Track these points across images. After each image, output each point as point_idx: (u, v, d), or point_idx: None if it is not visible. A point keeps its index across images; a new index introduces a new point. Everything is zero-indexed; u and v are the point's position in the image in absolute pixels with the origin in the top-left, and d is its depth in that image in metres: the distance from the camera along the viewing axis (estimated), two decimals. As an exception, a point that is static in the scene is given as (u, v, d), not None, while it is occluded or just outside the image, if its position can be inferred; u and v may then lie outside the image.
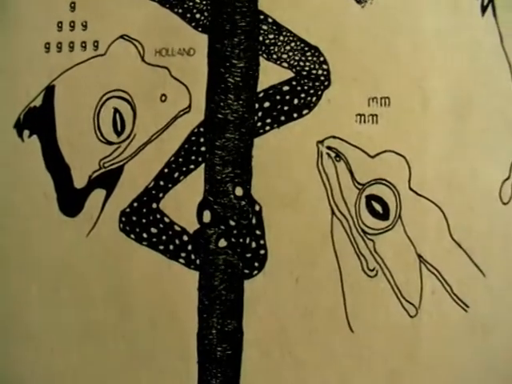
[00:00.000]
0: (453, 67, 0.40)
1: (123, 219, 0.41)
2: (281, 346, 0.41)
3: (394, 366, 0.41)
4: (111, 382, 0.41)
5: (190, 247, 0.41)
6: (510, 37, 0.41)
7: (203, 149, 0.41)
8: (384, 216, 0.40)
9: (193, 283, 0.41)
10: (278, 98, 0.40)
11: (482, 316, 0.41)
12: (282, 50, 0.40)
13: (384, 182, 0.40)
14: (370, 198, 0.40)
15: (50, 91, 0.42)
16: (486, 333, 0.41)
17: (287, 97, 0.40)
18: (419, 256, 0.41)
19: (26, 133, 0.42)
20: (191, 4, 0.41)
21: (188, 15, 0.41)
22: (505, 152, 0.41)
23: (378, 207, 0.40)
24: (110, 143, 0.41)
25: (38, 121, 0.42)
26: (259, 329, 0.41)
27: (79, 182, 0.41)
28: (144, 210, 0.41)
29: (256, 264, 0.40)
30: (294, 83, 0.40)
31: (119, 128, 0.41)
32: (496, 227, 0.41)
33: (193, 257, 0.41)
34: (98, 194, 0.41)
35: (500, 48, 0.41)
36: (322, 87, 0.40)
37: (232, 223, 0.41)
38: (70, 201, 0.41)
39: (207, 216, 0.41)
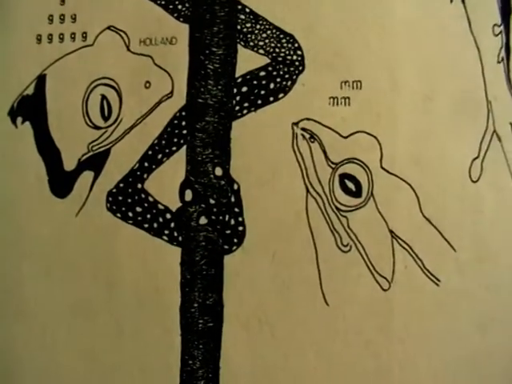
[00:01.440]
0: (422, 52, 0.42)
1: (110, 199, 0.43)
2: (259, 319, 0.42)
3: (368, 338, 0.42)
4: (99, 355, 0.43)
5: (172, 225, 0.43)
6: (478, 22, 0.43)
7: (185, 132, 0.43)
8: (357, 194, 0.42)
9: (175, 259, 0.43)
10: (255, 82, 0.42)
11: (453, 290, 0.42)
12: (259, 37, 0.42)
13: (356, 161, 0.42)
14: (343, 177, 0.42)
15: (41, 80, 0.44)
16: (456, 306, 0.42)
17: (264, 82, 0.42)
18: (391, 232, 0.42)
19: (20, 120, 0.44)
20: (173, -4, 0.43)
21: (170, 6, 0.43)
22: (474, 132, 0.43)
23: (350, 185, 0.42)
24: (97, 128, 0.43)
25: (31, 108, 0.44)
26: (238, 302, 0.42)
27: (69, 164, 0.44)
28: (129, 190, 0.43)
29: (235, 240, 0.42)
30: (270, 69, 0.42)
31: (106, 113, 0.43)
32: (466, 204, 0.42)
33: (175, 234, 0.43)
34: (87, 175, 0.43)
35: (468, 33, 0.43)
36: (296, 72, 0.42)
37: (212, 201, 0.43)
38: (61, 183, 0.44)
39: (189, 195, 0.43)
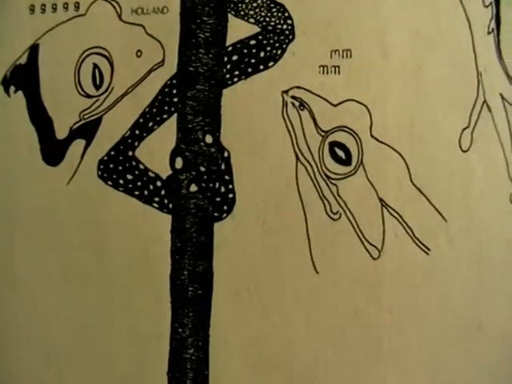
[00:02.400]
0: (412, 21, 0.42)
1: (101, 167, 0.43)
2: (248, 287, 0.43)
3: (357, 307, 0.42)
4: (90, 323, 0.44)
5: (163, 192, 0.43)
6: (468, -7, 0.44)
7: (176, 100, 0.43)
8: (346, 162, 0.42)
9: (166, 226, 0.43)
10: (245, 51, 0.43)
11: (443, 259, 0.42)
12: (249, 7, 0.43)
13: (346, 129, 0.42)
14: (333, 145, 0.42)
15: (34, 50, 0.45)
16: (446, 276, 0.42)
17: (254, 50, 0.42)
18: (381, 200, 0.42)
19: (12, 89, 0.45)
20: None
21: (162, -24, 0.44)
22: (464, 102, 0.43)
23: (340, 153, 0.42)
24: (89, 96, 0.44)
25: (23, 77, 0.44)
26: (228, 270, 0.43)
27: (61, 133, 0.44)
28: (120, 158, 0.43)
29: (225, 207, 0.43)
30: (260, 37, 0.43)
31: (98, 82, 0.43)
32: (456, 174, 0.42)
33: (166, 201, 0.43)
34: (78, 144, 0.44)
35: (459, 4, 0.43)
36: (286, 41, 0.42)
37: (202, 169, 0.43)
38: (52, 151, 0.44)
39: (179, 162, 0.43)
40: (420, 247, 0.42)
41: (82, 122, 0.44)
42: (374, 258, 0.42)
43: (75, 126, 0.44)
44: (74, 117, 0.44)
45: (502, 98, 0.43)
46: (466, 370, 0.42)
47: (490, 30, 0.43)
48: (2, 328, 0.45)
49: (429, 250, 0.42)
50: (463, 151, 0.42)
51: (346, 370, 0.42)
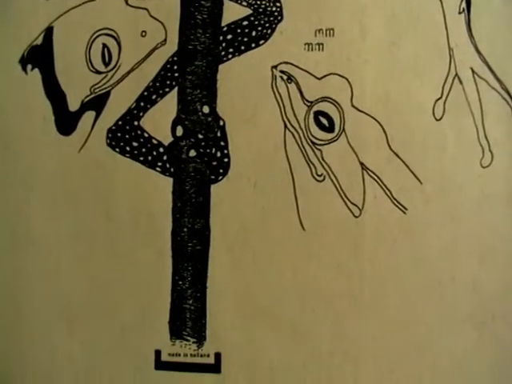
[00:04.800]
0: (389, 3, 0.46)
1: (110, 135, 0.48)
2: (242, 243, 0.46)
3: (340, 260, 0.46)
4: (98, 276, 0.48)
5: (165, 157, 0.47)
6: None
7: (176, 75, 0.47)
8: (330, 129, 0.46)
9: (168, 188, 0.47)
10: (238, 31, 0.47)
11: (419, 217, 0.46)
12: (243, -9, 0.47)
13: (329, 99, 0.46)
14: (318, 114, 0.46)
15: (49, 31, 0.49)
16: (422, 232, 0.46)
17: (246, 30, 0.47)
18: (361, 164, 0.46)
19: (29, 67, 0.49)
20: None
21: (164, -35, 0.48)
22: (437, 75, 0.46)
23: (324, 121, 0.46)
24: (99, 72, 0.48)
25: (39, 56, 0.49)
26: (224, 227, 0.47)
27: (73, 106, 0.48)
28: (127, 127, 0.47)
29: (220, 171, 0.47)
30: (252, 18, 0.47)
31: (107, 60, 0.48)
32: (430, 140, 0.46)
33: (167, 166, 0.47)
34: (89, 115, 0.48)
35: (432, -13, 0.48)
36: (275, 21, 0.47)
37: (200, 136, 0.47)
38: (65, 122, 0.48)
39: (179, 131, 0.47)
40: (397, 206, 0.46)
41: (93, 95, 0.48)
42: (356, 216, 0.46)
43: (86, 99, 0.48)
44: (85, 91, 0.48)
45: (472, 71, 0.46)
46: (441, 318, 0.46)
47: (461, 10, 0.47)
48: (19, 281, 0.49)
49: (406, 209, 0.46)
50: (436, 120, 0.46)
51: (330, 317, 0.46)
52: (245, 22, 0.47)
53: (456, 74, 0.46)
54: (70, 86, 0.48)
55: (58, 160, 0.48)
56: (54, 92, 0.48)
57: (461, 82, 0.46)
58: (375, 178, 0.46)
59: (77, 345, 0.48)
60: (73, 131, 0.48)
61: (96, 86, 0.48)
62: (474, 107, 0.46)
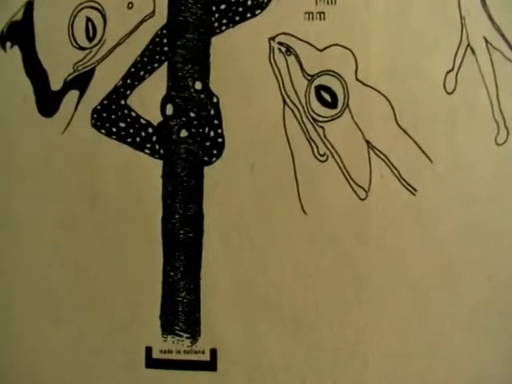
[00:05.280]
0: (395, -32, 0.44)
1: (95, 116, 0.45)
2: (238, 229, 0.44)
3: (344, 247, 0.43)
4: (83, 267, 0.45)
5: (154, 138, 0.44)
6: None
7: (166, 49, 0.44)
8: (332, 104, 0.43)
9: (157, 171, 0.44)
10: (232, 0, 0.44)
11: (429, 199, 0.43)
12: (236, -43, 0.44)
13: (332, 73, 0.43)
14: (319, 88, 0.43)
15: (29, 6, 0.46)
16: (433, 216, 0.43)
17: (241, -1, 0.44)
18: (367, 142, 0.43)
19: (8, 44, 0.46)
20: None
21: None
22: (448, 45, 0.43)
23: (326, 96, 0.43)
24: (82, 49, 0.45)
25: (19, 33, 0.46)
26: (218, 213, 0.44)
27: (55, 85, 0.45)
28: (113, 107, 0.44)
29: (214, 151, 0.44)
30: (247, -15, 0.44)
31: (91, 34, 0.45)
32: (441, 115, 0.43)
33: (157, 147, 0.44)
34: (73, 94, 0.45)
35: (442, -49, 0.44)
36: (272, -11, 0.44)
37: (192, 115, 0.44)
38: (47, 102, 0.45)
39: (170, 109, 0.44)
40: (406, 187, 0.43)
41: (76, 73, 0.45)
42: (361, 199, 0.43)
43: (69, 78, 0.45)
44: (68, 69, 0.45)
45: (486, 41, 0.43)
46: (455, 309, 0.43)
47: (473, -25, 0.44)
48: (-1, 272, 0.46)
49: (415, 190, 0.43)
50: (448, 93, 0.43)
51: (335, 310, 0.43)
52: (239, -10, 0.44)
53: (468, 44, 0.43)
54: (52, 64, 0.45)
55: (40, 143, 0.45)
56: (35, 70, 0.45)
57: (473, 53, 0.43)
58: (382, 157, 0.43)
59: (61, 341, 0.45)
60: (55, 112, 0.45)
61: (80, 63, 0.45)
62: (487, 80, 0.43)
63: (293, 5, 0.43)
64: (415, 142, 0.43)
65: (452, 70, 0.43)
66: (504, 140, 0.43)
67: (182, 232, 0.44)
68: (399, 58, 0.43)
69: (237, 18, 0.44)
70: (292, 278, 0.43)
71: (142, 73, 0.44)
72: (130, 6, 0.45)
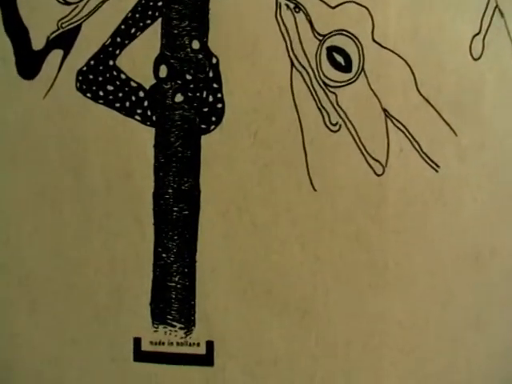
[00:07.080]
0: None
1: (80, 78, 0.41)
2: (239, 206, 0.41)
3: (358, 228, 0.40)
4: (65, 247, 0.42)
5: (146, 103, 0.41)
6: None
7: (160, 3, 0.41)
8: (346, 68, 0.40)
9: (149, 140, 0.41)
10: (235, -51, 0.41)
11: (453, 177, 0.40)
12: None
13: (345, 33, 0.40)
14: (332, 50, 0.40)
15: (9, -44, 0.43)
16: (456, 195, 0.40)
17: None
18: (385, 111, 0.40)
19: (-14, -2, 0.43)
20: None
21: None
22: (475, 6, 0.40)
23: (339, 59, 0.40)
24: (67, 3, 0.42)
25: (-2, -14, 0.43)
26: (216, 188, 0.41)
27: (37, 43, 0.42)
28: (101, 68, 0.41)
29: (213, 118, 0.41)
30: None
31: (77, -12, 0.42)
32: (467, 83, 0.40)
33: (149, 113, 0.41)
34: (56, 54, 0.42)
35: None
36: None
37: (189, 77, 0.41)
38: (28, 63, 0.42)
39: (163, 71, 0.41)
40: (428, 163, 0.40)
41: (60, 30, 0.42)
42: (378, 175, 0.40)
43: (52, 36, 0.42)
44: (51, 26, 0.42)
45: (517, 2, 0.41)
46: (479, 299, 0.40)
47: None
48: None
49: (438, 166, 0.40)
50: (474, 59, 0.40)
51: (347, 298, 0.40)
52: None
53: (496, 6, 0.40)
54: (34, 20, 0.42)
55: (20, 107, 0.42)
56: (15, 28, 0.42)
57: (502, 15, 0.40)
58: (401, 128, 0.40)
59: (40, 331, 0.42)
60: (36, 74, 0.42)
61: (64, 20, 0.41)
62: (518, 45, 0.40)
63: (303, -44, 0.40)
64: (438, 113, 0.40)
65: (479, 33, 0.40)
66: (536, 112, 0.40)
67: (175, 209, 0.41)
68: (421, 18, 0.40)
69: (240, -30, 0.40)
70: (298, 261, 0.40)
71: (133, 30, 0.41)
72: (122, -45, 0.41)
